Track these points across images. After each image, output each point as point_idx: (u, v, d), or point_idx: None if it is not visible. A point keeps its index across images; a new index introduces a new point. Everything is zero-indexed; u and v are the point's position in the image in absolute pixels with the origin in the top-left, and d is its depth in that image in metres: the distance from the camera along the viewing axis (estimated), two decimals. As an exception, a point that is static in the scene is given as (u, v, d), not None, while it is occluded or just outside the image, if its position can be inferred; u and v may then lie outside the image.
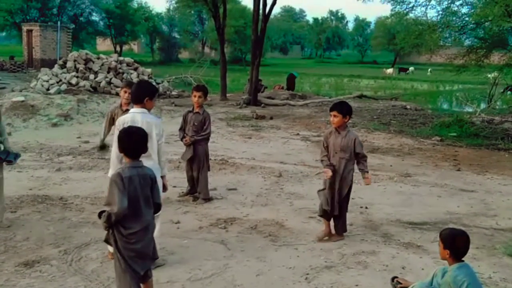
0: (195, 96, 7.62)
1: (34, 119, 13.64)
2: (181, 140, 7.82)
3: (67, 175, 8.87)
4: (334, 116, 6.03)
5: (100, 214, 3.90)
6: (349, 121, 6.14)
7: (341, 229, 6.31)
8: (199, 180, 7.75)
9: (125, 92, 6.46)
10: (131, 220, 3.87)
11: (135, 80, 20.23)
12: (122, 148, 4.01)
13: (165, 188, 5.44)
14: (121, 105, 6.68)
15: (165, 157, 5.58)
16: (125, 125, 5.00)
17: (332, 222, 6.32)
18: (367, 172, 6.22)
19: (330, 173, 6.05)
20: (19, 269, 5.13)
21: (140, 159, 5.07)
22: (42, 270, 5.14)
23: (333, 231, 6.32)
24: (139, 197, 3.90)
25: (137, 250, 3.94)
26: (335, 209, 6.17)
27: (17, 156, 6.52)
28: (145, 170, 4.04)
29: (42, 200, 7.42)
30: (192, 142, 7.63)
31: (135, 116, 5.10)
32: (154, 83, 22.80)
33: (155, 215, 5.13)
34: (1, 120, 6.54)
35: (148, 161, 5.11)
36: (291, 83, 26.83)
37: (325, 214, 6.26)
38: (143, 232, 3.95)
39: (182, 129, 7.84)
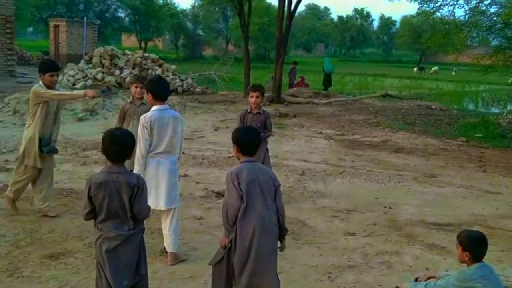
0: (252, 97, 7.07)
1: (60, 113, 13.75)
2: None
3: (92, 169, 8.94)
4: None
5: None
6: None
7: None
8: None
9: (136, 87, 6.51)
10: (106, 224, 3.64)
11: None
12: (103, 150, 3.66)
13: None
14: (133, 101, 6.67)
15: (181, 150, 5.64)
16: (152, 123, 5.05)
17: None
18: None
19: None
20: (44, 261, 5.21)
21: (163, 154, 5.14)
22: (67, 263, 5.20)
23: None
24: (110, 205, 3.59)
25: (112, 260, 3.64)
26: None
27: (51, 151, 6.60)
28: (124, 177, 3.63)
29: (67, 193, 7.51)
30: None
31: (163, 112, 5.13)
32: (178, 80, 23.01)
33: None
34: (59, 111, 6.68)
35: (170, 157, 5.22)
36: (327, 81, 27.27)
37: None
38: (120, 241, 3.64)
39: None
